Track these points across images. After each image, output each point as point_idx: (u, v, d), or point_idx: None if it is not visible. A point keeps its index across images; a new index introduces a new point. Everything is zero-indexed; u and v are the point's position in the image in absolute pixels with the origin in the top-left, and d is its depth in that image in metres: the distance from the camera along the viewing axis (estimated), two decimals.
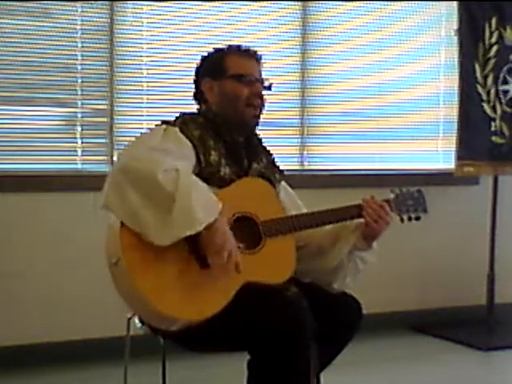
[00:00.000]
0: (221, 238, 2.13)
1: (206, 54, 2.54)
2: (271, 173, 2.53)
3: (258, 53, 2.52)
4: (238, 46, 2.51)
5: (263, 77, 2.49)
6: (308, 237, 2.48)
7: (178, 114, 2.46)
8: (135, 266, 2.14)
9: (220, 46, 2.53)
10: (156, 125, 2.40)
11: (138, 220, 2.13)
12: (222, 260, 2.13)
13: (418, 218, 2.54)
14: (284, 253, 2.36)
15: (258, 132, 2.55)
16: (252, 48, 2.52)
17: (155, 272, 2.15)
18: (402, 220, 2.53)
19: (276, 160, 2.59)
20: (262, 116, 2.49)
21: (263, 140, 2.57)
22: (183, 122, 2.39)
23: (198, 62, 2.54)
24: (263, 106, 2.48)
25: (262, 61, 2.52)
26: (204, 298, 2.18)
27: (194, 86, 2.54)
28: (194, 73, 2.54)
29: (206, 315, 2.16)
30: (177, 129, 2.34)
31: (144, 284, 2.13)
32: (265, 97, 2.48)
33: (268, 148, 2.59)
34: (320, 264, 2.47)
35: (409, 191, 2.54)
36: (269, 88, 2.49)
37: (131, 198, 2.13)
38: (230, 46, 2.52)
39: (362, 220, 2.43)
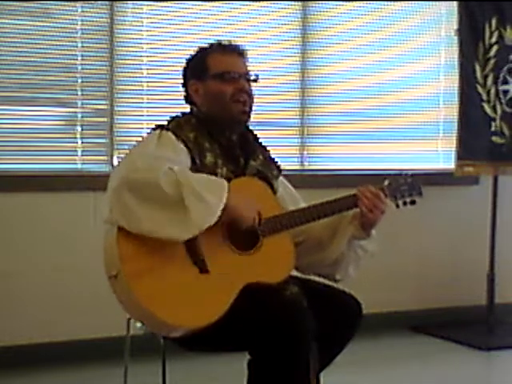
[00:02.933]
0: (239, 210, 2.19)
1: (189, 56, 2.53)
2: (268, 169, 2.52)
3: (241, 46, 2.49)
4: (219, 43, 2.48)
5: (248, 70, 2.47)
6: (306, 231, 2.48)
7: (172, 115, 2.45)
8: (134, 276, 2.14)
9: (202, 45, 2.51)
10: (151, 129, 2.39)
11: (147, 225, 2.13)
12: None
13: (413, 202, 2.51)
14: (282, 251, 2.36)
15: (252, 129, 2.54)
16: (234, 42, 2.49)
17: (155, 281, 2.15)
18: (397, 206, 2.51)
19: (272, 156, 2.58)
20: (253, 111, 2.46)
21: (259, 136, 2.56)
22: (177, 125, 2.38)
23: (185, 64, 2.53)
24: (252, 100, 2.45)
25: (246, 54, 2.48)
26: (205, 305, 2.18)
27: (183, 88, 2.53)
28: (182, 75, 2.53)
29: (208, 321, 2.16)
30: (170, 134, 2.34)
31: (144, 294, 2.13)
32: (252, 91, 2.45)
33: (264, 144, 2.58)
34: (321, 257, 2.48)
35: (402, 177, 2.53)
36: (255, 80, 2.47)
37: (137, 208, 2.13)
38: (211, 44, 2.50)
39: (357, 209, 2.42)
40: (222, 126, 2.42)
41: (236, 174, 2.39)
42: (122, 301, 2.21)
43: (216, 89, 2.42)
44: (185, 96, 2.53)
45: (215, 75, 2.42)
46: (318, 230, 2.49)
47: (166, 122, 2.42)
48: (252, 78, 2.47)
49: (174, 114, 2.46)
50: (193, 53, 2.53)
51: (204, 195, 2.12)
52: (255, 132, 2.55)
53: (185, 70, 2.52)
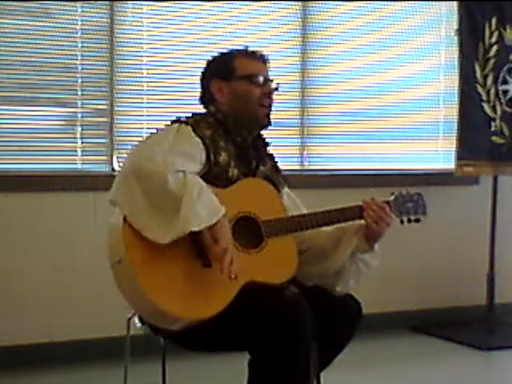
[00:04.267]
0: (222, 240, 2.14)
1: (211, 57, 2.55)
2: (275, 177, 2.54)
3: (265, 55, 2.53)
4: (245, 49, 2.53)
5: (270, 78, 2.51)
6: (310, 240, 2.49)
7: (187, 115, 2.45)
8: (138, 264, 2.15)
9: (225, 49, 2.54)
10: (170, 122, 2.40)
11: (142, 218, 2.15)
12: (220, 262, 2.13)
13: (417, 221, 2.54)
14: (285, 253, 2.36)
15: (263, 135, 2.55)
16: (258, 50, 2.53)
17: (158, 270, 2.16)
18: (401, 222, 2.53)
19: (279, 165, 2.60)
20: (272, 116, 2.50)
21: (269, 143, 2.57)
22: (195, 121, 2.39)
23: (205, 65, 2.55)
24: (272, 105, 2.49)
25: (269, 62, 2.53)
26: (206, 297, 2.19)
27: (200, 88, 2.54)
28: (200, 76, 2.55)
29: (208, 314, 2.16)
30: (189, 128, 2.35)
31: (147, 282, 2.14)
32: (273, 97, 2.49)
33: (271, 152, 2.60)
34: (323, 267, 2.48)
35: (408, 194, 2.55)
36: (276, 89, 2.51)
37: (139, 198, 2.14)
38: (235, 49, 2.53)
39: (362, 221, 2.43)
40: (241, 125, 2.44)
41: (247, 176, 2.41)
42: (123, 289, 2.21)
43: (244, 89, 2.44)
44: (201, 96, 2.54)
45: (243, 76, 2.45)
46: (321, 239, 2.50)
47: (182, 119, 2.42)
48: (274, 86, 2.50)
49: (181, 114, 2.45)
50: (215, 55, 2.55)
51: (198, 209, 2.11)
52: (266, 139, 2.56)
53: (205, 70, 2.54)
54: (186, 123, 2.37)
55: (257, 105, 2.45)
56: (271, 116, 2.49)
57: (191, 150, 2.29)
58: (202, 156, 2.32)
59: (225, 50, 2.55)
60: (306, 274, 2.46)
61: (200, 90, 2.55)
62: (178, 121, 2.39)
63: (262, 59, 2.51)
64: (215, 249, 2.13)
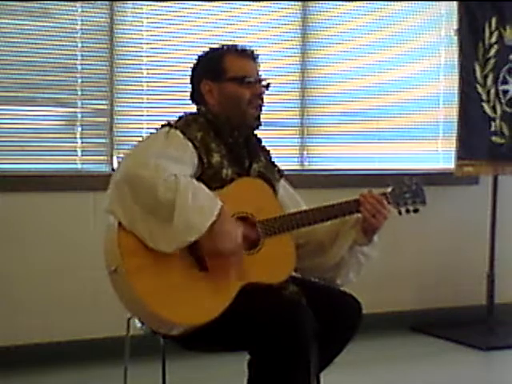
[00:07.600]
0: (222, 240, 2.14)
1: (201, 53, 2.53)
2: (270, 172, 2.53)
3: (255, 52, 2.51)
4: (235, 46, 2.50)
5: (261, 76, 2.49)
6: (308, 234, 2.48)
7: (180, 115, 2.45)
8: (135, 271, 2.15)
9: (216, 46, 2.52)
10: (160, 126, 2.40)
11: (141, 227, 2.14)
12: (222, 261, 2.13)
13: (416, 211, 2.51)
14: (283, 252, 2.36)
15: (256, 132, 2.54)
16: (249, 47, 2.51)
17: (155, 277, 2.16)
18: (399, 213, 2.51)
19: (274, 159, 2.59)
20: (262, 116, 2.48)
21: (262, 139, 2.56)
22: (185, 123, 2.39)
23: (194, 62, 2.54)
24: (263, 105, 2.48)
25: (259, 59, 2.51)
26: (204, 302, 2.19)
27: (191, 86, 2.53)
28: (190, 73, 2.53)
29: (207, 319, 2.17)
30: (179, 132, 2.34)
31: (144, 290, 2.14)
32: (264, 96, 2.48)
33: (266, 147, 2.59)
34: (322, 261, 2.48)
35: (406, 183, 2.52)
36: (267, 87, 2.49)
37: (133, 206, 2.14)
38: (226, 46, 2.51)
39: (360, 215, 2.42)
40: (232, 126, 2.43)
41: (240, 175, 2.41)
42: (121, 296, 2.22)
43: (233, 92, 2.43)
44: (192, 94, 2.53)
45: (233, 78, 2.43)
46: (319, 233, 2.49)
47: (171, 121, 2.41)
48: (264, 84, 2.48)
49: (180, 114, 2.46)
50: (204, 52, 2.53)
51: (191, 215, 2.11)
52: (258, 135, 2.55)
53: (195, 68, 2.52)
54: (176, 127, 2.35)
55: (247, 106, 2.43)
56: (262, 117, 2.47)
57: (182, 154, 2.29)
58: (194, 159, 2.32)
59: (215, 47, 2.52)
60: (304, 268, 2.47)
61: (190, 87, 2.53)
62: (167, 125, 2.38)
63: (253, 57, 2.49)
64: (214, 250, 2.13)
